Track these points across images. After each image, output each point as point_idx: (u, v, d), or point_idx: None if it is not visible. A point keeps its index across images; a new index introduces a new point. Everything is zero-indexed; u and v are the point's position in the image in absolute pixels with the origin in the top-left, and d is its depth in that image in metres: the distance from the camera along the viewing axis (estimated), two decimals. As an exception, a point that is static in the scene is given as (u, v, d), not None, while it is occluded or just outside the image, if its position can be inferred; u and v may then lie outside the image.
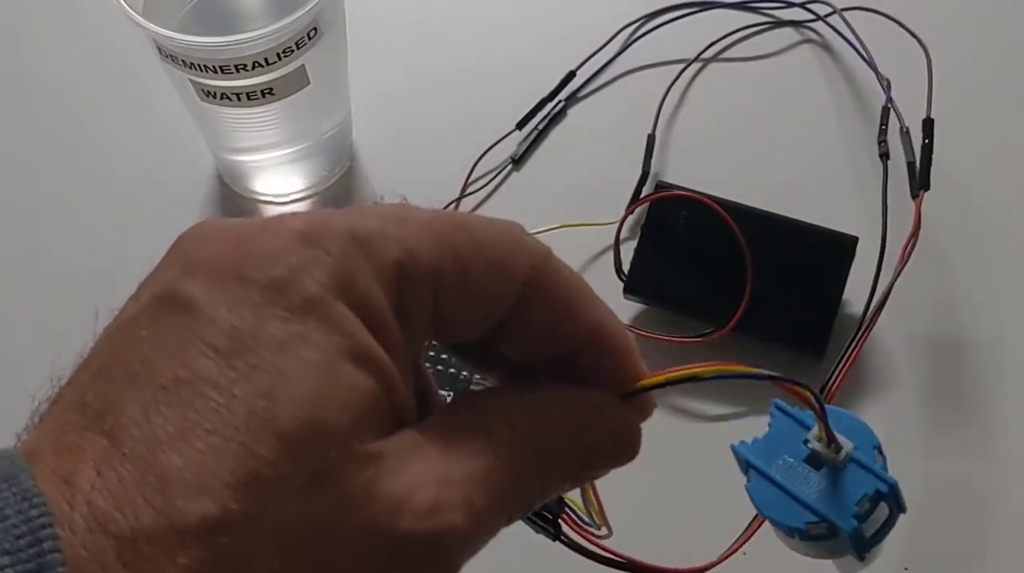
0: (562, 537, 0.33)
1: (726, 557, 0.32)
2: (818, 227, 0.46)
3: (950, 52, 0.52)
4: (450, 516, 0.20)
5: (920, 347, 0.47)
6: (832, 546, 0.26)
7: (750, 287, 0.44)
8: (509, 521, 0.22)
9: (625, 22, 0.56)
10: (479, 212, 0.51)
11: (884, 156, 0.49)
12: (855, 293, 0.47)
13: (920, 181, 0.45)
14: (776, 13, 0.57)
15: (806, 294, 0.45)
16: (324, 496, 0.18)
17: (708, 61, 0.56)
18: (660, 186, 0.48)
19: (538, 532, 0.40)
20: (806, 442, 0.26)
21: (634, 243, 0.47)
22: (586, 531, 0.32)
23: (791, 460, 0.26)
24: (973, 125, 0.52)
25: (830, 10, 0.55)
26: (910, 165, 0.47)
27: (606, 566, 0.34)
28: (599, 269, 0.48)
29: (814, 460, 0.26)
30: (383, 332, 0.20)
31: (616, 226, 0.47)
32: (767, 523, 0.27)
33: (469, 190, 0.52)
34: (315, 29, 0.44)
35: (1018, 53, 0.56)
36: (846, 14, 0.54)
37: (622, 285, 0.47)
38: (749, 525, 0.34)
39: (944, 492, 0.43)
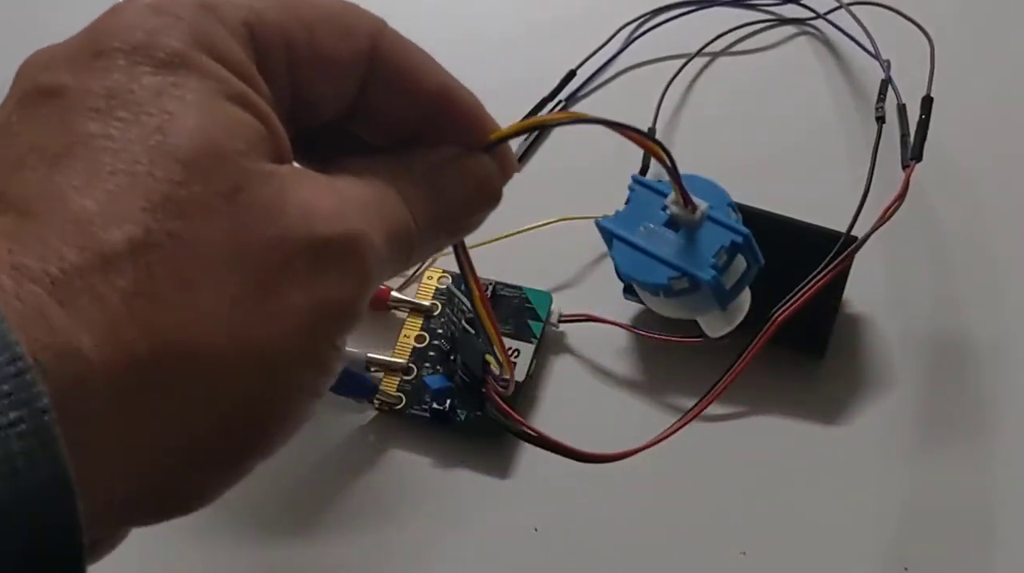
0: (489, 411, 0.34)
1: (649, 446, 0.32)
2: (818, 227, 0.46)
3: (953, 42, 0.51)
4: (354, 222, 0.21)
5: (919, 345, 0.47)
6: (695, 301, 0.28)
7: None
8: (408, 258, 0.23)
9: (625, 20, 0.56)
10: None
11: (880, 119, 0.49)
12: (855, 293, 0.47)
13: (913, 151, 0.45)
14: (777, 10, 0.57)
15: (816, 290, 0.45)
16: (241, 210, 0.19)
17: (709, 57, 0.56)
18: (660, 186, 0.49)
19: (466, 399, 0.42)
20: (664, 208, 0.27)
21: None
22: (498, 389, 0.34)
23: (651, 226, 0.28)
24: (972, 112, 0.52)
25: (833, 6, 0.54)
26: (903, 137, 0.47)
27: (523, 441, 0.35)
28: (599, 269, 0.49)
29: (673, 223, 0.27)
30: (249, 81, 0.21)
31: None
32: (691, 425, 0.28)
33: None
34: (315, 29, 0.44)
35: (1017, 46, 0.56)
36: (851, 8, 0.53)
37: (622, 285, 0.47)
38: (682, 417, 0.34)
39: (944, 492, 0.43)
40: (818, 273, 0.42)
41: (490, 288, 0.46)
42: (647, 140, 0.25)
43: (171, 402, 0.18)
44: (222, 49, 0.21)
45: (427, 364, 0.45)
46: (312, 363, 0.20)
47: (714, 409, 0.45)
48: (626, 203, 0.28)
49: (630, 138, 0.25)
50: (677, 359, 0.46)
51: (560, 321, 0.46)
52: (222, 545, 0.42)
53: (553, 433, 0.44)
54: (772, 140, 0.53)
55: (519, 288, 0.47)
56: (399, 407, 0.44)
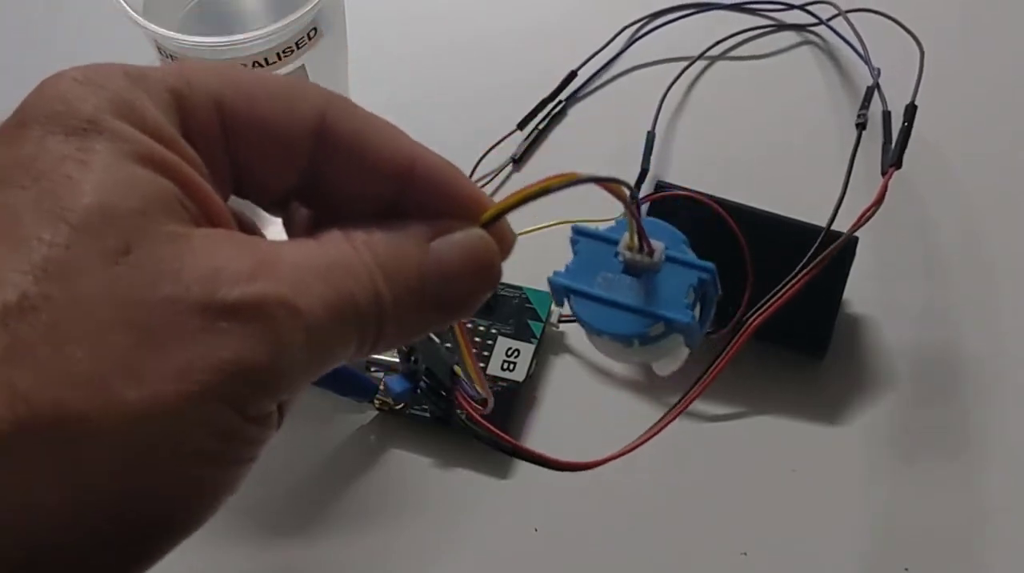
0: (455, 418, 0.33)
1: (622, 454, 0.32)
2: (818, 227, 0.46)
3: (945, 52, 0.52)
4: (274, 286, 0.20)
5: (919, 345, 0.47)
6: (665, 346, 0.27)
7: (750, 287, 0.44)
8: (370, 342, 0.22)
9: (626, 22, 0.56)
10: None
11: (860, 126, 0.49)
12: (855, 293, 0.47)
13: (892, 158, 0.45)
14: (778, 16, 0.57)
15: (806, 294, 0.45)
16: (129, 272, 0.19)
17: (710, 61, 0.56)
18: (660, 186, 0.48)
19: (435, 411, 0.41)
20: (616, 255, 0.26)
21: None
22: (473, 405, 0.33)
23: (609, 275, 0.26)
24: (963, 117, 0.53)
25: (832, 12, 0.54)
26: (885, 144, 0.47)
27: (496, 450, 0.34)
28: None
29: (630, 269, 0.26)
30: (170, 144, 0.21)
31: (611, 206, 0.47)
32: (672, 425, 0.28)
33: None
34: (315, 29, 0.44)
35: (1016, 57, 0.56)
36: (849, 16, 0.53)
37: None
38: (660, 420, 0.34)
39: (944, 492, 0.43)
40: (793, 277, 0.42)
41: (490, 288, 0.46)
42: (612, 184, 0.24)
43: (35, 474, 0.18)
44: (140, 113, 0.20)
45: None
46: (207, 430, 0.19)
47: (714, 409, 0.45)
48: (574, 255, 0.27)
49: (603, 187, 0.24)
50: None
51: (560, 321, 0.46)
52: (221, 545, 0.42)
53: (553, 433, 0.45)
54: (769, 144, 0.53)
55: (519, 288, 0.47)
56: (399, 407, 0.44)
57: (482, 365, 0.45)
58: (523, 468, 0.44)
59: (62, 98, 0.20)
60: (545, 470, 0.44)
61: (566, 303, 0.26)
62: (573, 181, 0.24)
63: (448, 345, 0.38)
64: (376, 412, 0.45)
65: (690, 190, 0.47)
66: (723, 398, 0.45)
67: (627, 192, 0.24)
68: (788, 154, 0.53)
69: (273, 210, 0.25)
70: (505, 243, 0.24)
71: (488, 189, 0.52)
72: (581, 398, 0.46)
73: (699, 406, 0.45)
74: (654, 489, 0.44)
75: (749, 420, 0.45)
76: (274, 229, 0.26)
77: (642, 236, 0.25)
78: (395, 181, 0.23)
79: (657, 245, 0.26)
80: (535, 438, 0.44)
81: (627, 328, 0.25)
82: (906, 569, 0.42)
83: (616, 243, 0.26)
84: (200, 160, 0.21)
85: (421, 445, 0.45)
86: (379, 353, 0.23)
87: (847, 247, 0.45)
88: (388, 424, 0.45)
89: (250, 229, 0.25)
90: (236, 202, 0.24)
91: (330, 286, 0.20)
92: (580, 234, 0.27)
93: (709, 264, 0.26)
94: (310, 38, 0.44)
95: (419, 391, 0.41)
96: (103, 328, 0.18)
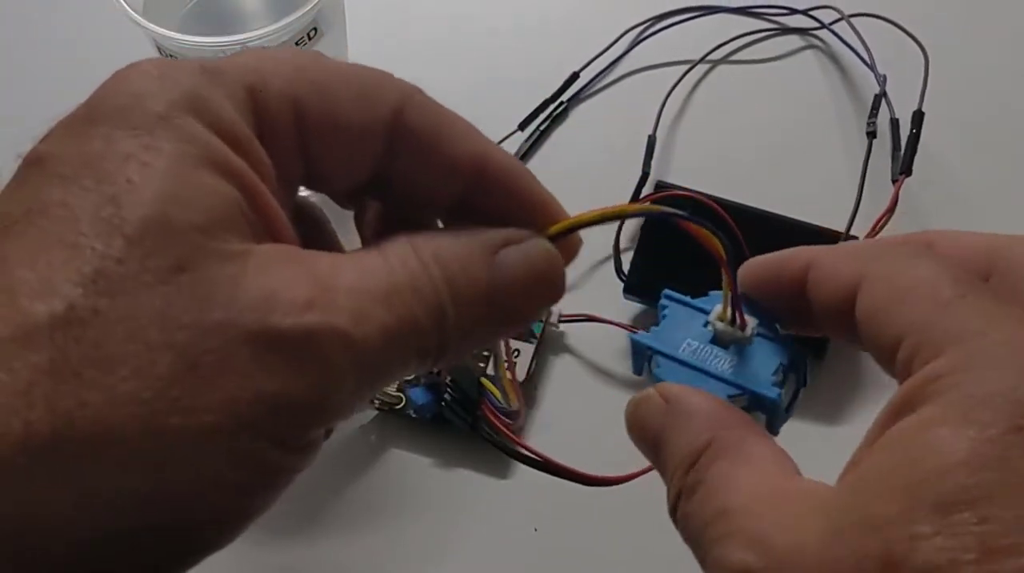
0: (482, 431, 0.32)
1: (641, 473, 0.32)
2: (818, 227, 0.46)
3: (950, 58, 0.52)
4: (329, 316, 0.19)
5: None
6: None
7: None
8: (431, 358, 0.21)
9: (630, 24, 0.56)
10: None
11: (871, 135, 0.49)
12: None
13: (902, 166, 0.46)
14: (781, 20, 0.57)
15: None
16: (181, 291, 0.18)
17: (712, 64, 0.56)
18: (660, 186, 0.48)
19: (458, 422, 0.40)
20: (706, 325, 0.25)
21: (634, 243, 0.47)
22: (503, 420, 0.32)
23: (695, 343, 0.25)
24: (963, 126, 0.52)
25: (835, 17, 0.54)
26: (894, 151, 0.47)
27: (522, 463, 0.33)
28: (599, 270, 0.48)
29: (719, 341, 0.25)
30: (241, 148, 0.20)
31: (615, 226, 0.47)
32: None
33: None
34: (315, 29, 0.44)
35: (1019, 60, 0.56)
36: (852, 20, 0.53)
37: (622, 285, 0.47)
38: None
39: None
40: None
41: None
42: (707, 231, 0.23)
43: (68, 488, 0.17)
44: (214, 112, 0.20)
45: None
46: (245, 461, 0.19)
47: (714, 409, 0.45)
48: (661, 318, 0.26)
49: (693, 231, 0.23)
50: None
51: (560, 321, 0.46)
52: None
53: (553, 432, 0.45)
54: (772, 148, 0.53)
55: (519, 288, 0.47)
56: (399, 407, 0.44)
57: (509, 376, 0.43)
58: (523, 468, 0.44)
59: (134, 92, 0.20)
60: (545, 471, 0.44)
61: (645, 368, 0.25)
62: (657, 214, 0.23)
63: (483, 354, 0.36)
64: (376, 412, 0.45)
65: (690, 190, 0.47)
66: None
67: (722, 248, 0.23)
68: (790, 158, 0.53)
69: (344, 203, 0.24)
70: (570, 253, 0.23)
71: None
72: (581, 398, 0.46)
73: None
74: (654, 489, 0.44)
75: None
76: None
77: (736, 306, 0.24)
78: (467, 178, 0.23)
79: (750, 320, 0.25)
80: (535, 437, 0.44)
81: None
82: (906, 569, 0.42)
83: (707, 313, 0.25)
84: (270, 164, 0.21)
85: (421, 445, 0.45)
86: (439, 367, 0.22)
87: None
88: (388, 424, 0.45)
89: (321, 224, 0.24)
90: (309, 194, 0.24)
91: (391, 312, 0.20)
92: (670, 299, 0.26)
93: (801, 352, 0.25)
94: (310, 38, 0.44)
95: (444, 403, 0.40)
96: (150, 349, 0.18)
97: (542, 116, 0.54)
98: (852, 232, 0.45)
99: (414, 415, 0.44)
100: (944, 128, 0.50)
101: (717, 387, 0.24)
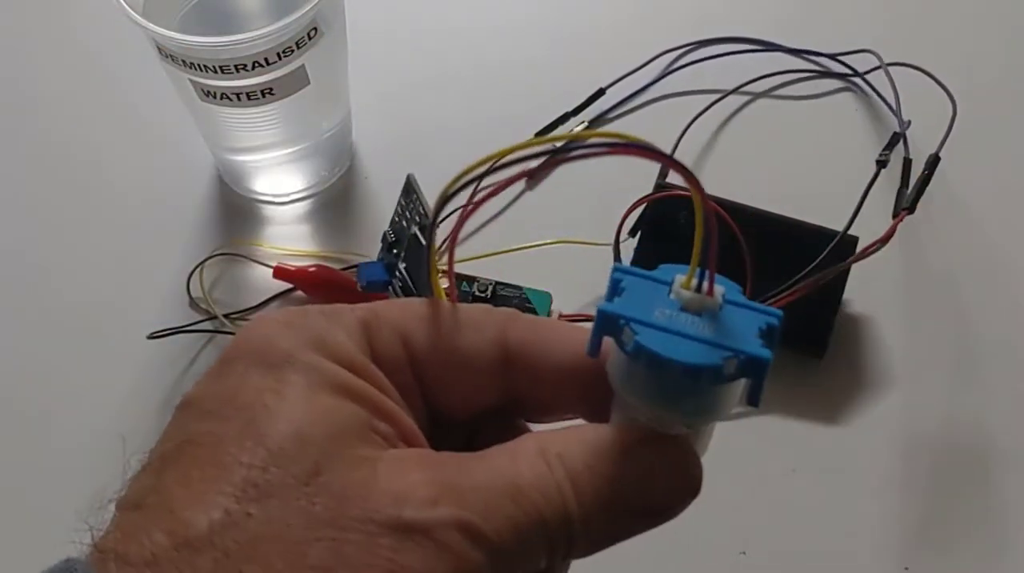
0: None
1: None
2: (818, 227, 0.46)
3: (978, 110, 0.51)
4: (457, 510, 0.21)
5: (919, 345, 0.47)
6: (721, 398, 0.24)
7: (750, 287, 0.44)
8: (562, 551, 0.22)
9: (666, 47, 0.55)
10: (484, 222, 0.51)
11: (880, 163, 0.49)
12: (855, 293, 0.47)
13: (907, 202, 0.46)
14: (818, 61, 0.56)
15: (806, 295, 0.45)
16: (320, 492, 0.20)
17: (748, 97, 0.55)
18: (660, 186, 0.48)
19: None
20: (669, 294, 0.24)
21: (634, 243, 0.47)
22: None
23: (668, 311, 0.23)
24: (976, 180, 0.52)
25: (874, 64, 0.54)
26: (901, 188, 0.47)
27: None
28: (599, 269, 0.48)
29: (687, 309, 0.23)
30: (361, 371, 0.23)
31: (616, 224, 0.47)
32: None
33: (476, 198, 0.51)
34: (315, 29, 0.44)
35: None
36: (889, 69, 0.53)
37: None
38: None
39: (944, 492, 0.43)
40: (793, 284, 0.42)
41: (490, 288, 0.46)
42: (692, 183, 0.22)
43: None
44: (333, 346, 0.22)
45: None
46: None
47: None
48: (616, 294, 0.25)
49: (687, 180, 0.22)
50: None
51: (559, 319, 0.46)
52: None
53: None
54: (789, 183, 0.52)
55: (519, 288, 0.47)
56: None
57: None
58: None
59: (264, 337, 0.23)
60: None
61: (608, 342, 0.24)
62: (634, 145, 0.22)
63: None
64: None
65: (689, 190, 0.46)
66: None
67: (692, 178, 0.22)
68: (802, 194, 0.52)
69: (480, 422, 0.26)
70: (701, 449, 0.25)
71: (496, 202, 0.51)
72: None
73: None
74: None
75: (749, 420, 0.45)
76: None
77: (711, 272, 0.23)
78: (579, 382, 0.24)
79: (718, 287, 0.23)
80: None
81: (702, 358, 0.23)
82: (906, 569, 0.42)
83: (667, 283, 0.24)
84: (390, 384, 0.23)
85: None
86: (575, 559, 0.24)
87: (847, 248, 0.45)
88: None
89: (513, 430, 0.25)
90: None
91: (519, 508, 0.21)
92: (624, 272, 0.24)
93: (777, 311, 0.23)
94: (310, 38, 0.44)
95: (390, 287, 0.41)
96: (299, 543, 0.20)
97: (561, 130, 0.52)
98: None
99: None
100: (955, 179, 0.49)
101: (706, 351, 0.23)
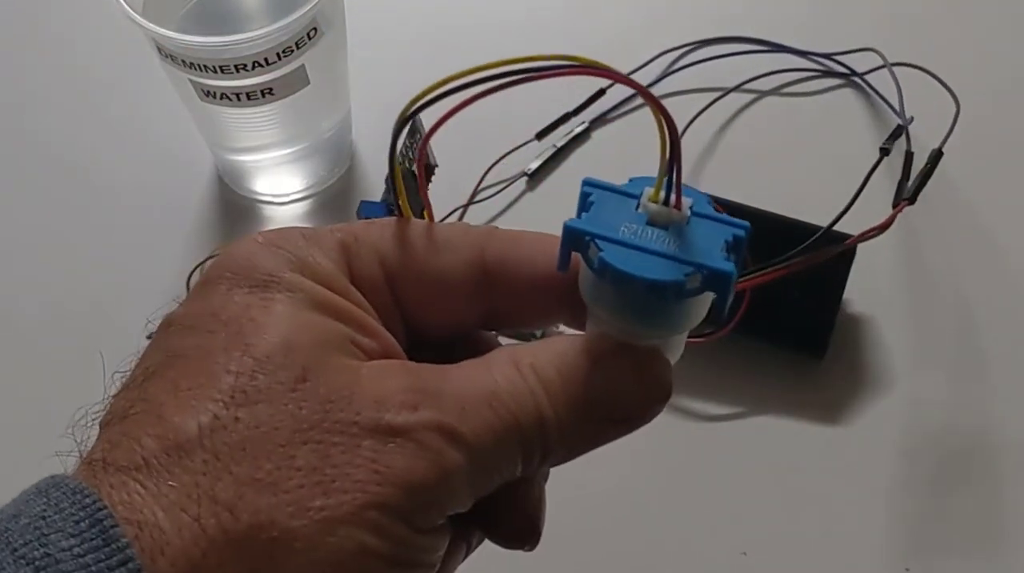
0: None
1: None
2: (819, 227, 0.46)
3: (981, 110, 0.50)
4: (436, 414, 0.22)
5: (919, 345, 0.47)
6: (690, 312, 0.24)
7: (749, 288, 0.44)
8: (537, 456, 0.23)
9: (667, 47, 0.55)
10: (484, 222, 0.51)
11: (884, 151, 0.48)
12: (855, 293, 0.47)
13: (907, 193, 0.45)
14: (820, 60, 0.56)
15: (806, 295, 0.45)
16: (306, 397, 0.21)
17: (753, 95, 0.55)
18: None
19: None
20: (637, 208, 0.24)
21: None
22: None
23: (633, 225, 0.23)
24: (978, 178, 0.52)
25: (877, 63, 0.53)
26: (901, 180, 0.47)
27: None
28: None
29: (654, 222, 0.23)
30: (341, 292, 0.23)
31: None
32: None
33: (477, 198, 0.51)
34: (315, 29, 0.44)
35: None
36: (893, 69, 0.52)
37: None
38: None
39: (944, 491, 0.43)
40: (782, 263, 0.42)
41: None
42: (653, 105, 0.21)
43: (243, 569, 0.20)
44: (314, 267, 0.23)
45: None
46: (381, 535, 0.21)
47: (714, 409, 0.45)
48: (584, 209, 0.24)
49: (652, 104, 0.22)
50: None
51: (560, 321, 0.46)
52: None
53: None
54: (790, 182, 0.52)
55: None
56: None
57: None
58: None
59: (247, 258, 0.23)
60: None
61: (576, 257, 0.24)
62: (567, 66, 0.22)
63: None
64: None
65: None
66: (723, 398, 0.45)
67: (666, 128, 0.22)
68: (803, 191, 0.51)
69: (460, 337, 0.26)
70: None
71: (497, 202, 0.52)
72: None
73: (699, 406, 0.45)
74: (654, 489, 0.44)
75: (749, 420, 0.45)
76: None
77: (677, 184, 0.23)
78: (560, 295, 0.24)
79: (686, 199, 0.23)
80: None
81: (664, 274, 0.23)
82: (907, 569, 0.42)
83: (635, 197, 0.24)
84: (368, 305, 0.24)
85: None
86: (552, 467, 0.24)
87: (847, 248, 0.45)
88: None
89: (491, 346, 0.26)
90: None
91: (494, 413, 0.22)
92: (594, 186, 0.24)
93: (743, 221, 0.23)
94: (310, 38, 0.44)
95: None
96: (286, 445, 0.21)
97: (562, 131, 0.52)
98: (836, 229, 0.44)
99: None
100: (956, 175, 0.49)
101: (668, 266, 0.23)
